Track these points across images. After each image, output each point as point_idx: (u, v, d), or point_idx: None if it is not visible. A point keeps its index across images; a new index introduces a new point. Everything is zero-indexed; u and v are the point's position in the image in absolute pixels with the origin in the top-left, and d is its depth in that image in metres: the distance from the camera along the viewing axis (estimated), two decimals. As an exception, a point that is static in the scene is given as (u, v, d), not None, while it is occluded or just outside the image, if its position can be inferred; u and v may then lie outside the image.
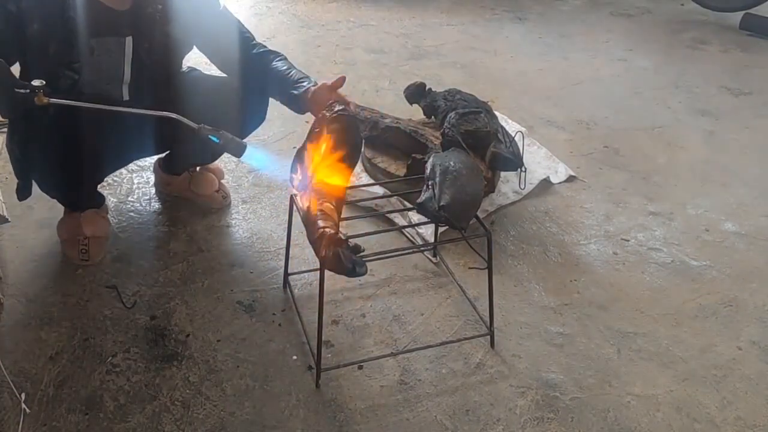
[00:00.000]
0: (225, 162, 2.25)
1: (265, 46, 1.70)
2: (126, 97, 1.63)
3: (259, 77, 1.66)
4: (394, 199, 1.98)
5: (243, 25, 1.71)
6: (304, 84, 1.57)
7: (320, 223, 1.22)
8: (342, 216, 1.37)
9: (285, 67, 1.63)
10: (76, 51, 1.48)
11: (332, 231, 1.20)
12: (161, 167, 2.00)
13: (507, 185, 2.12)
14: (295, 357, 1.51)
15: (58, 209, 1.96)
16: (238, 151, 1.46)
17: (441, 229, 1.82)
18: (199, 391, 1.41)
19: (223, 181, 2.05)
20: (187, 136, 1.46)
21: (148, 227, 1.91)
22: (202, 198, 1.98)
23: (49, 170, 1.61)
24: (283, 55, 1.68)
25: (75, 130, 1.50)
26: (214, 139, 1.43)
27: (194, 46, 1.72)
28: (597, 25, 3.72)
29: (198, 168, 1.99)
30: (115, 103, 1.56)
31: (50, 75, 1.40)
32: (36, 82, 1.31)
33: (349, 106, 1.48)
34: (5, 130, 2.36)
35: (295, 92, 1.57)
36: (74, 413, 1.35)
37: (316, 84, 1.56)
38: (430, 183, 1.45)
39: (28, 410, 1.34)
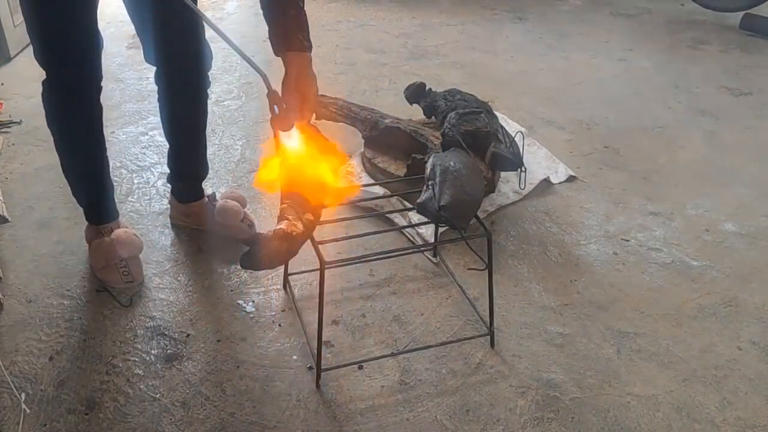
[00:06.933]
0: (224, 162, 2.25)
1: None
2: None
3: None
4: (394, 199, 1.98)
5: None
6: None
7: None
8: (330, 215, 1.38)
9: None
10: None
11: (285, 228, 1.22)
12: (177, 198, 1.89)
13: (507, 185, 2.12)
14: (295, 357, 1.51)
15: (58, 209, 1.97)
16: None
17: (441, 229, 1.82)
18: (199, 392, 1.41)
19: (246, 209, 1.90)
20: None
21: (147, 227, 1.92)
22: (227, 229, 1.84)
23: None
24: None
25: None
26: None
27: None
28: (597, 25, 3.72)
29: (219, 198, 1.89)
30: None
31: None
32: None
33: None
34: (5, 131, 2.39)
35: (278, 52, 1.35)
36: (74, 413, 1.36)
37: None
38: (430, 183, 1.45)
39: (28, 410, 1.34)
